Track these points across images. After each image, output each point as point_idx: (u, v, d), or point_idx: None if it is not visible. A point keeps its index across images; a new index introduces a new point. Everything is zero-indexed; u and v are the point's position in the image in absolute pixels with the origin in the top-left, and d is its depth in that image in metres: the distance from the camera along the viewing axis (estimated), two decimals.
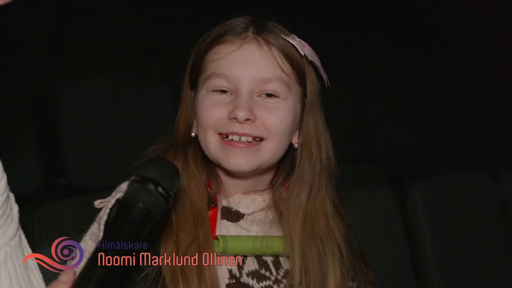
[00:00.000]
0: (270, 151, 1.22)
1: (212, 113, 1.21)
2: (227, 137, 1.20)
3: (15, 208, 1.00)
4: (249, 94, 1.20)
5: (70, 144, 2.76)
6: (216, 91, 1.22)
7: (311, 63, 1.26)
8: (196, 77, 1.28)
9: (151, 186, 0.95)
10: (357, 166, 2.58)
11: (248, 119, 1.19)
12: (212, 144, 1.21)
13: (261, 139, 1.21)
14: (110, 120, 2.86)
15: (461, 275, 2.50)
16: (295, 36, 1.28)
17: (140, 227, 0.93)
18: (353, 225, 1.37)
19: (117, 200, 1.18)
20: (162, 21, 4.36)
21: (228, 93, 1.22)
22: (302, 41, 1.27)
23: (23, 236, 0.96)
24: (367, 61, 4.88)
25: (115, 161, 2.65)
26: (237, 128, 1.19)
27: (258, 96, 1.22)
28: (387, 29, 5.91)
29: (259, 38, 1.23)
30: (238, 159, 1.19)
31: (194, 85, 1.29)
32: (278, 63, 1.22)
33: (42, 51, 3.61)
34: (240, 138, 1.20)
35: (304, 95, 1.28)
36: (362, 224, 1.38)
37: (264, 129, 1.21)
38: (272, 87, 1.21)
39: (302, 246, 1.24)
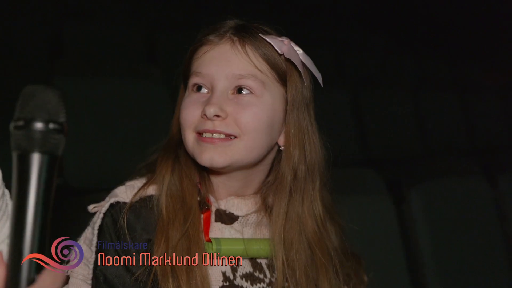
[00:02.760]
0: (243, 149, 1.22)
1: (188, 112, 1.23)
2: (202, 134, 1.22)
3: (10, 205, 0.99)
4: (223, 92, 1.22)
5: (68, 144, 2.75)
6: (194, 90, 1.25)
7: (289, 61, 1.25)
8: (187, 79, 1.30)
9: (39, 125, 0.77)
10: (354, 169, 2.58)
11: (218, 116, 1.20)
12: (190, 142, 1.23)
13: (235, 137, 1.22)
14: (108, 121, 2.86)
15: (458, 279, 2.51)
16: (282, 37, 1.27)
17: (48, 175, 0.78)
18: (348, 229, 1.38)
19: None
20: (161, 23, 4.36)
21: (205, 91, 1.24)
22: (286, 41, 1.26)
23: None
24: (364, 64, 4.89)
25: (113, 162, 2.65)
26: (209, 125, 1.20)
27: (232, 93, 1.23)
28: (385, 32, 5.93)
29: (235, 38, 1.24)
30: (211, 154, 1.20)
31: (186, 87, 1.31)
32: (251, 61, 1.23)
33: (40, 52, 3.61)
34: (212, 135, 1.21)
35: (287, 94, 1.27)
36: (358, 228, 1.39)
37: (235, 127, 1.21)
38: (245, 83, 1.22)
39: (286, 249, 1.24)
